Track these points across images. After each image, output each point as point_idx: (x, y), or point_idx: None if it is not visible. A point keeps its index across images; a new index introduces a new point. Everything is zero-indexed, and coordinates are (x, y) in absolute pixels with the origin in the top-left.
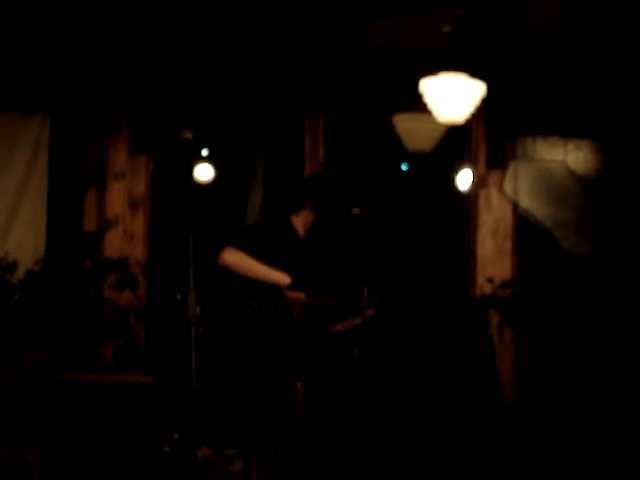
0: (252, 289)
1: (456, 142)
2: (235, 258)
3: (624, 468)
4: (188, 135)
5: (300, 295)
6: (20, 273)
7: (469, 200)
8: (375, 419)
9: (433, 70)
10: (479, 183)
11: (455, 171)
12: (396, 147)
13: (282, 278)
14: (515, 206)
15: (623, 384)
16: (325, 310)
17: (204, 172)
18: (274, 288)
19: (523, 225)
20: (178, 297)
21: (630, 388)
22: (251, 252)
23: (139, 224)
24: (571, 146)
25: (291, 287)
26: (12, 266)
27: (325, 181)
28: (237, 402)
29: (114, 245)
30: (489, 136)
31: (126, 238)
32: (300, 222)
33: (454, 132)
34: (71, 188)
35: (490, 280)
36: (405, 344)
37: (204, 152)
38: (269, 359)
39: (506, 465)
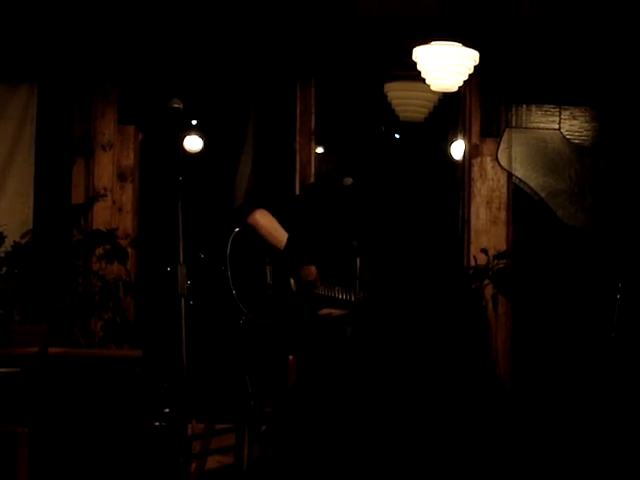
0: (270, 258)
1: (449, 111)
2: (267, 220)
3: (621, 439)
4: (177, 104)
5: (313, 270)
6: (7, 246)
7: (463, 169)
8: (367, 394)
9: (425, 38)
10: (473, 152)
11: (448, 140)
12: (389, 116)
13: None
14: (509, 175)
15: (620, 354)
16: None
17: (193, 142)
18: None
19: (518, 195)
20: (167, 269)
21: (627, 358)
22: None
23: (128, 195)
24: (566, 114)
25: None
26: None
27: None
28: (229, 376)
29: (102, 217)
30: (483, 104)
31: (115, 210)
32: None
33: (447, 101)
34: (58, 159)
35: (484, 251)
36: (397, 316)
37: (193, 122)
38: (266, 332)
39: (500, 439)
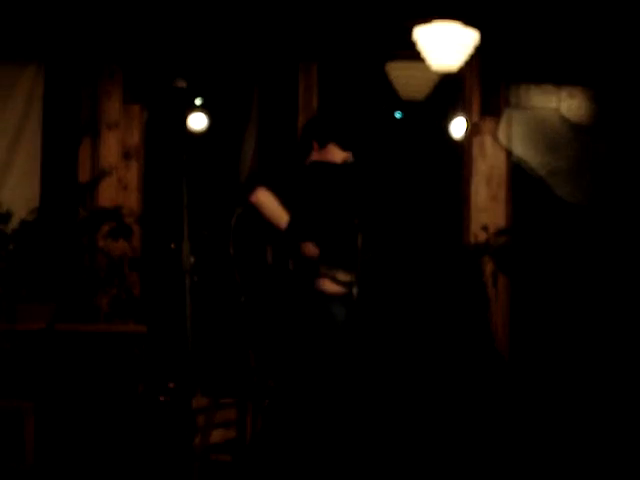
0: (272, 237)
1: (450, 90)
2: (268, 200)
3: (619, 415)
4: (182, 84)
5: (310, 247)
6: (14, 223)
7: (463, 148)
8: (366, 371)
9: (426, 18)
10: (473, 131)
11: (449, 119)
12: (390, 95)
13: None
14: (509, 154)
15: (619, 329)
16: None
17: (198, 121)
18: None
19: (517, 173)
20: (172, 246)
21: (626, 333)
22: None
23: (133, 173)
24: (565, 93)
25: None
26: (6, 216)
27: (321, 117)
28: (232, 351)
29: (108, 195)
30: (483, 84)
31: (120, 188)
32: None
33: (448, 80)
34: (65, 138)
35: (484, 228)
36: (398, 292)
37: (198, 101)
38: (268, 310)
39: (499, 415)
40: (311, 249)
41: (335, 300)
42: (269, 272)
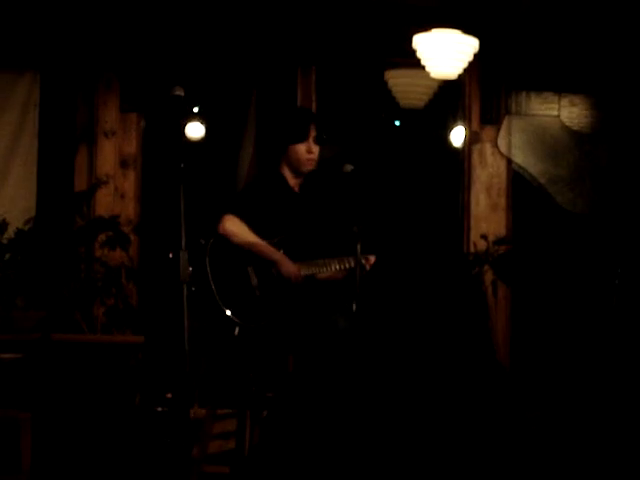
0: (252, 257)
1: (449, 98)
2: (235, 227)
3: (620, 424)
4: (179, 92)
5: (291, 268)
6: (10, 232)
7: (463, 156)
8: (366, 381)
9: (426, 26)
10: (473, 139)
11: (448, 127)
12: (389, 104)
13: (275, 255)
14: (509, 162)
15: (619, 338)
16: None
17: (195, 129)
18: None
19: (517, 181)
20: (170, 256)
21: (627, 341)
22: (249, 216)
23: (130, 182)
24: (565, 101)
25: (286, 246)
26: (2, 225)
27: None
28: (230, 361)
29: (105, 204)
30: (482, 92)
31: (117, 196)
32: (290, 172)
33: (447, 88)
34: (61, 147)
35: (484, 236)
36: (398, 302)
37: (195, 109)
38: (262, 330)
39: (500, 425)
40: (293, 271)
41: (335, 310)
42: (257, 295)
